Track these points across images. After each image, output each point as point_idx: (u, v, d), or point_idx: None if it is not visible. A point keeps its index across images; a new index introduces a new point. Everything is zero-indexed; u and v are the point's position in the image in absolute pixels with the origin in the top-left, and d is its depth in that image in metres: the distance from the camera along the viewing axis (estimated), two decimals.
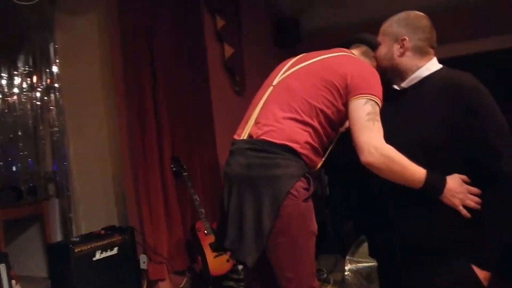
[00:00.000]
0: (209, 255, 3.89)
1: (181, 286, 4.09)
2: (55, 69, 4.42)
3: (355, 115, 1.83)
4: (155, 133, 4.00)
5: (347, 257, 3.46)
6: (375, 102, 1.83)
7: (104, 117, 4.23)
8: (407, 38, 1.90)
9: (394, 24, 1.97)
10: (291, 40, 5.40)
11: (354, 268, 3.46)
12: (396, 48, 1.93)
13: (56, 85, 4.46)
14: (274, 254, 1.86)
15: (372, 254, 2.21)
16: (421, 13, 1.96)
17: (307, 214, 1.88)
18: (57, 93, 4.47)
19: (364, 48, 2.16)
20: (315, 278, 1.94)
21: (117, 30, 3.88)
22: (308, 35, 5.38)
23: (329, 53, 2.08)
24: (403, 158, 1.73)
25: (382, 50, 2.00)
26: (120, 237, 3.84)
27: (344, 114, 1.94)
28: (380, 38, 2.03)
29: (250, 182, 1.86)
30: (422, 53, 1.92)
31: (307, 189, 1.88)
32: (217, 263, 3.91)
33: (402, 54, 1.92)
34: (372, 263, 3.38)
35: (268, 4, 5.57)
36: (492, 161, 1.71)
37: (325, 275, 4.12)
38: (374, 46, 2.12)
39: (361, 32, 2.23)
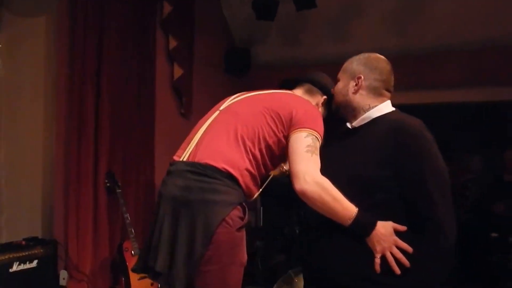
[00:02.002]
0: (133, 277, 3.76)
1: None
2: None
3: (295, 146, 1.85)
4: (92, 146, 3.89)
5: None
6: (316, 137, 1.86)
7: (42, 123, 4.03)
8: (362, 77, 1.91)
9: (354, 62, 1.98)
10: (241, 68, 5.41)
11: None
12: (352, 85, 1.94)
13: None
14: (202, 281, 1.81)
15: None
16: (382, 57, 1.97)
17: (239, 243, 1.85)
18: None
19: (307, 85, 2.20)
20: None
21: (66, 39, 3.78)
22: (257, 66, 5.42)
23: (276, 90, 2.12)
24: (336, 192, 1.72)
25: (339, 85, 2.01)
26: (41, 250, 3.66)
27: (284, 147, 1.93)
28: (340, 74, 2.03)
29: (186, 205, 1.80)
30: (376, 93, 1.92)
31: (242, 218, 1.85)
32: (140, 286, 3.77)
33: (356, 91, 1.93)
34: None
35: (222, 31, 5.59)
36: (426, 208, 1.68)
37: None
38: (316, 83, 2.18)
39: (306, 72, 2.27)
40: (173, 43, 4.56)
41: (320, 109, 2.18)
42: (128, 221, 3.85)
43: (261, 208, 5.15)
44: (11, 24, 4.05)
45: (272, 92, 2.08)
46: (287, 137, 1.91)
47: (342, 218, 1.71)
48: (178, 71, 4.65)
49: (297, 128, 1.88)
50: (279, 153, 1.96)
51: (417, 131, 1.75)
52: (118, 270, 3.95)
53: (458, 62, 4.64)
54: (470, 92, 4.58)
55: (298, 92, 2.18)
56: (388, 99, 1.94)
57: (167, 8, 4.46)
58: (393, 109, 1.92)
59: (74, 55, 3.76)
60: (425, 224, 1.67)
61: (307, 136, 1.84)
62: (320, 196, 1.71)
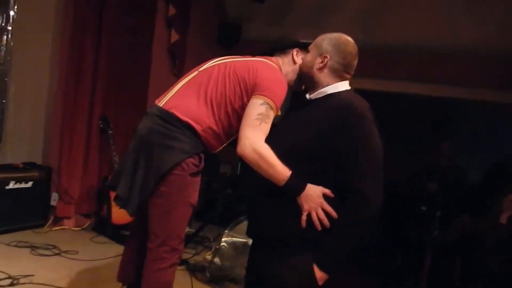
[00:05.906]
0: (115, 205, 3.67)
1: (84, 226, 3.95)
2: (11, 13, 4.05)
3: (248, 111, 1.77)
4: (89, 87, 3.90)
5: (225, 231, 3.37)
6: (271, 106, 1.76)
7: (48, 63, 3.97)
8: (328, 57, 1.78)
9: (326, 40, 1.82)
10: (231, 41, 5.26)
11: (229, 240, 3.38)
12: (317, 61, 1.79)
13: (9, 27, 4.09)
14: (152, 211, 1.88)
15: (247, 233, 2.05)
16: (352, 41, 1.82)
17: (190, 186, 1.87)
18: (9, 35, 4.10)
19: (279, 51, 2.03)
20: (181, 242, 1.91)
21: None
22: (246, 40, 5.25)
23: (252, 57, 1.99)
24: (273, 158, 1.65)
25: (308, 57, 1.86)
26: (37, 173, 3.70)
27: None
28: (311, 46, 1.88)
29: (147, 144, 1.84)
30: (336, 75, 1.79)
31: (196, 166, 1.87)
32: (119, 214, 3.74)
33: (320, 69, 1.79)
34: (246, 240, 3.31)
35: (218, 5, 5.41)
36: (355, 180, 1.61)
37: (209, 243, 3.99)
38: (280, 46, 2.03)
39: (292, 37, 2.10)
40: (172, 11, 4.40)
41: (300, 58, 1.99)
42: (115, 158, 3.86)
43: (240, 162, 5.09)
44: None
45: (247, 60, 1.96)
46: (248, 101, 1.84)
47: (276, 180, 1.65)
48: (174, 36, 4.52)
49: (256, 94, 1.79)
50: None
51: (361, 111, 1.67)
52: (102, 198, 3.95)
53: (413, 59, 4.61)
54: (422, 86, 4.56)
55: (281, 60, 2.03)
56: (347, 80, 1.82)
57: None
58: (349, 88, 1.81)
59: (77, 10, 3.71)
60: (354, 193, 1.61)
61: (262, 104, 1.76)
62: (256, 162, 1.66)
